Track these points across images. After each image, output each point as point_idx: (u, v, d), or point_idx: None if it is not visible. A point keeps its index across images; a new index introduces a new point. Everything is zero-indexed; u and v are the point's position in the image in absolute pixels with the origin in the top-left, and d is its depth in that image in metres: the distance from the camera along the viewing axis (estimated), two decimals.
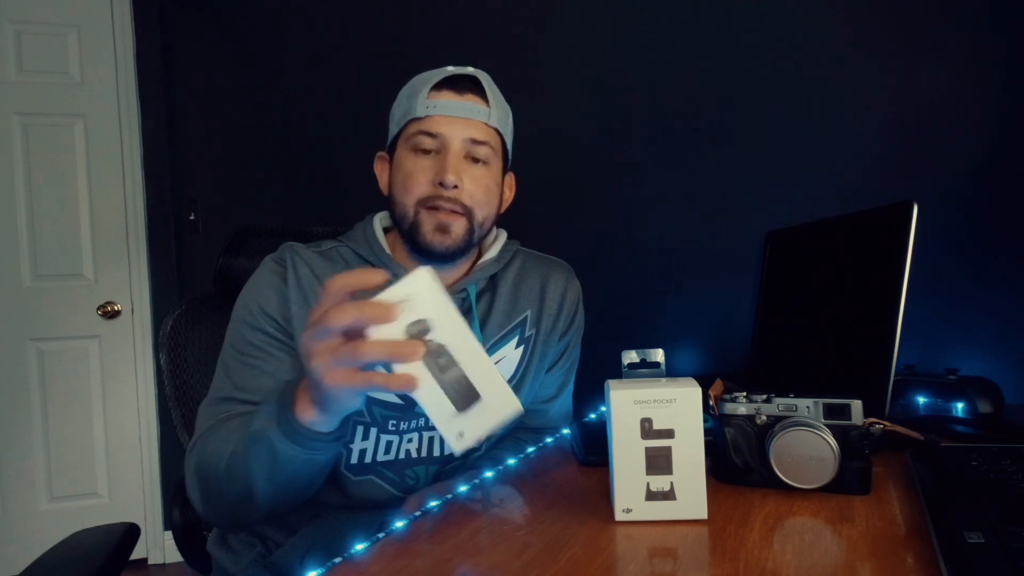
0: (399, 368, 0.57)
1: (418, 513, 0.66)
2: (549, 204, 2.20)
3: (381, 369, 0.58)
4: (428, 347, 0.58)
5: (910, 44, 2.01)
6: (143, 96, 2.36)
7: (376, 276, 0.57)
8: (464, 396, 0.59)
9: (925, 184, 2.00)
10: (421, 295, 0.58)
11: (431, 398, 0.58)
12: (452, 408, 0.59)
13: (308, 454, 0.66)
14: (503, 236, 0.99)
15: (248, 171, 2.41)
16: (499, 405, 0.60)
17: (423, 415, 0.87)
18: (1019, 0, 1.92)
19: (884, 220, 0.83)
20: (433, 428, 0.88)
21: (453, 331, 0.59)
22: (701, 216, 2.16)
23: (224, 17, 2.39)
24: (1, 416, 2.29)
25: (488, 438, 0.90)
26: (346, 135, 2.35)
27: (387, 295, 0.57)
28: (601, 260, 2.20)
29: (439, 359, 0.59)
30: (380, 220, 0.94)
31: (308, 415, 0.64)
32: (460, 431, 0.60)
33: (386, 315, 0.55)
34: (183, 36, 2.39)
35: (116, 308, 2.37)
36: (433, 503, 0.69)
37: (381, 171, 0.94)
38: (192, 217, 2.40)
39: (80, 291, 2.35)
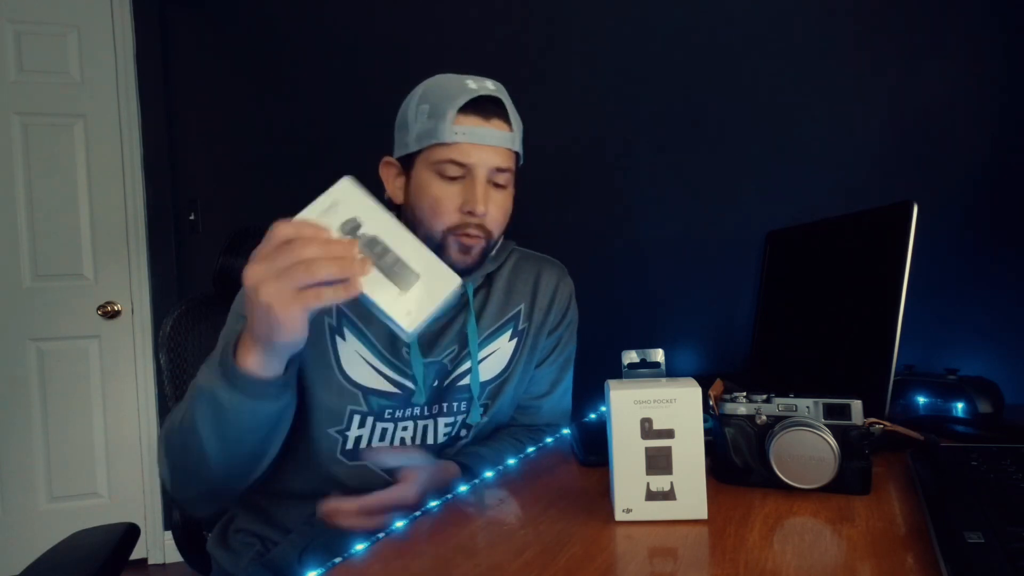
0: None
1: (418, 513, 0.66)
2: (549, 204, 2.20)
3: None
4: (362, 239, 0.63)
5: (910, 44, 2.01)
6: (143, 96, 2.36)
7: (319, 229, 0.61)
8: (403, 276, 0.64)
9: (925, 184, 2.00)
10: (346, 199, 0.64)
11: (372, 284, 0.62)
12: (396, 289, 0.63)
13: (252, 402, 0.68)
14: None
15: (248, 171, 2.41)
16: (439, 280, 0.65)
17: (419, 404, 0.88)
18: (1019, 0, 1.92)
19: (884, 220, 0.83)
20: (427, 417, 0.90)
21: (381, 222, 0.64)
22: (701, 216, 2.16)
23: (224, 17, 2.39)
24: (1, 416, 2.29)
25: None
26: (346, 135, 2.35)
27: (313, 206, 0.63)
28: (601, 260, 2.20)
29: (375, 248, 0.63)
30: None
31: (251, 360, 0.66)
32: (407, 310, 0.64)
33: (317, 230, 0.59)
34: (183, 36, 2.39)
35: (116, 308, 2.37)
36: (433, 503, 0.69)
37: (388, 177, 0.92)
38: (192, 217, 2.40)
39: (80, 291, 2.35)
